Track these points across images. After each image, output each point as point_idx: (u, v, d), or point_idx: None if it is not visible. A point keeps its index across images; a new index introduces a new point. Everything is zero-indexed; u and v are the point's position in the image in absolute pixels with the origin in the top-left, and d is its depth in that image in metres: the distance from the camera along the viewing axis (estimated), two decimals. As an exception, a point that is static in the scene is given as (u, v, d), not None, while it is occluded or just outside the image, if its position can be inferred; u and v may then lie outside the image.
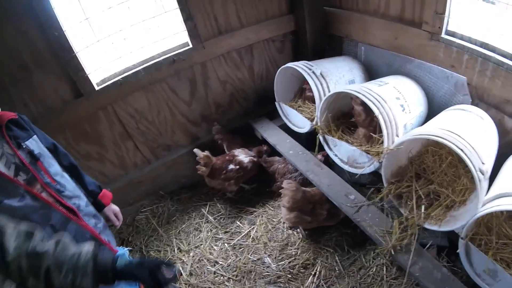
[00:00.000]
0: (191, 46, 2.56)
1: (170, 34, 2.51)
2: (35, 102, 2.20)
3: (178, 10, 2.40)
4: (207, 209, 2.79)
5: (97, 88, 2.36)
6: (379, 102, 2.06)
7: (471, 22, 2.05)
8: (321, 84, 2.41)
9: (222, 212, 2.75)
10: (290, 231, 2.52)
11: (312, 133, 2.57)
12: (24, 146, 1.21)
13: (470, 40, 2.08)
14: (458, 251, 1.71)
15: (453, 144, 1.66)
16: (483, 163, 1.69)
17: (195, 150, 2.63)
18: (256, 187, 2.94)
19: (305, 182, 2.59)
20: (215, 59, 2.74)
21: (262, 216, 2.65)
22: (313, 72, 2.42)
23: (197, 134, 2.98)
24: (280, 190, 2.35)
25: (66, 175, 1.39)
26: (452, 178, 1.95)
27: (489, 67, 1.98)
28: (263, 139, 2.86)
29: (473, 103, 2.15)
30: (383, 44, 2.54)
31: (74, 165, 1.56)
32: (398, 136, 2.08)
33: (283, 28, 2.90)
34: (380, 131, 2.09)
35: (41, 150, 1.30)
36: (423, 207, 1.90)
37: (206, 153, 2.65)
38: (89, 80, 2.29)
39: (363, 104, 2.12)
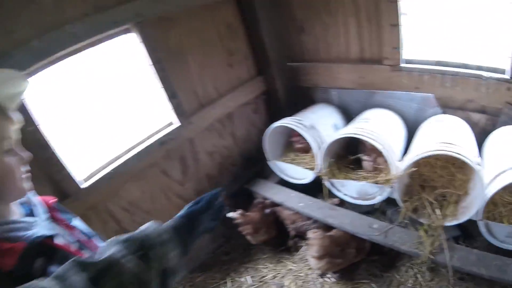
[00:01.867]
0: (179, 123, 2.54)
1: (156, 115, 2.48)
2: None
3: (162, 89, 2.40)
4: (229, 286, 2.60)
5: (83, 186, 2.15)
6: (377, 137, 2.22)
7: (423, 47, 2.38)
8: (314, 135, 2.52)
9: (247, 285, 2.57)
10: (321, 279, 2.45)
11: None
12: (74, 226, 1.12)
13: (426, 62, 2.43)
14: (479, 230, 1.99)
15: (452, 151, 1.91)
16: (477, 157, 1.99)
17: (229, 214, 2.61)
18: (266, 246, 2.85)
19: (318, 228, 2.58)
20: (201, 133, 2.74)
21: (288, 276, 2.54)
22: (304, 125, 2.54)
23: (196, 212, 2.83)
24: (307, 242, 2.34)
25: None
26: (449, 178, 2.21)
27: (448, 79, 2.34)
28: (261, 204, 2.82)
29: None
30: (352, 84, 2.79)
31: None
32: (398, 161, 2.23)
33: (256, 90, 3.04)
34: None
35: (88, 229, 1.20)
36: (437, 210, 2.11)
37: (240, 211, 2.62)
38: (73, 179, 2.09)
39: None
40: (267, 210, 2.76)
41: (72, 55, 1.99)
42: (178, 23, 2.44)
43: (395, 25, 2.33)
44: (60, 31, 1.83)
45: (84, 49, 2.03)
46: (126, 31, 2.20)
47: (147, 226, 0.92)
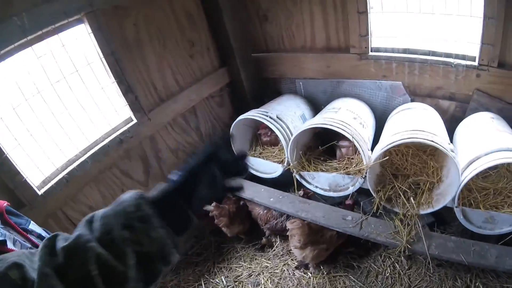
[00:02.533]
0: (135, 120, 2.35)
1: (111, 112, 2.27)
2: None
3: (115, 84, 2.20)
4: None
5: (40, 192, 1.94)
6: (347, 127, 2.17)
7: (391, 35, 2.36)
8: (281, 126, 2.43)
9: (221, 285, 2.46)
10: (298, 274, 2.40)
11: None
12: (30, 230, 1.00)
13: (393, 50, 2.42)
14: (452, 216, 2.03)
15: (426, 139, 1.89)
16: (449, 143, 1.98)
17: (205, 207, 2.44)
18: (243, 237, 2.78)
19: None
20: (162, 129, 2.57)
21: (263, 273, 2.46)
22: (270, 117, 2.44)
23: (162, 214, 2.67)
24: (287, 233, 2.31)
25: None
26: (421, 165, 2.20)
27: (416, 67, 2.35)
28: (235, 197, 2.71)
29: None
30: (318, 74, 2.73)
31: None
32: (369, 151, 2.20)
33: (219, 82, 2.91)
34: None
35: (47, 233, 1.07)
36: (411, 198, 2.10)
37: (215, 203, 2.53)
38: (29, 185, 1.89)
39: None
40: (242, 202, 2.70)
41: (20, 50, 1.80)
42: (134, 12, 2.26)
43: (363, 12, 2.28)
44: (6, 24, 1.67)
45: (33, 43, 1.84)
46: (78, 21, 2.01)
47: (126, 197, 0.71)
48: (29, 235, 0.97)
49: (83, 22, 2.03)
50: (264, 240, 2.64)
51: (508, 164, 2.06)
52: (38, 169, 1.98)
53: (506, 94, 2.13)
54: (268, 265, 2.51)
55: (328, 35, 2.56)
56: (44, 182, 2.02)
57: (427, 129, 2.02)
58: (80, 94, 2.11)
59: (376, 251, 2.38)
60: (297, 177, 2.45)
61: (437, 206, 2.03)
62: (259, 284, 2.40)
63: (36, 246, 0.95)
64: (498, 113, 2.18)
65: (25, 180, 1.88)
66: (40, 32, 1.82)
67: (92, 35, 2.06)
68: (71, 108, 2.07)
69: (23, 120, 1.87)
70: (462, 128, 2.25)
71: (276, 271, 2.46)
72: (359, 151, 2.15)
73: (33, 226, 1.04)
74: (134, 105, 2.33)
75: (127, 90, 2.28)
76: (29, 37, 1.78)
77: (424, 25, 2.20)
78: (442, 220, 2.36)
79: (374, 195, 2.18)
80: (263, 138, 2.73)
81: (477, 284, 2.06)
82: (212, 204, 2.58)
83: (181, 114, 2.68)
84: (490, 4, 1.91)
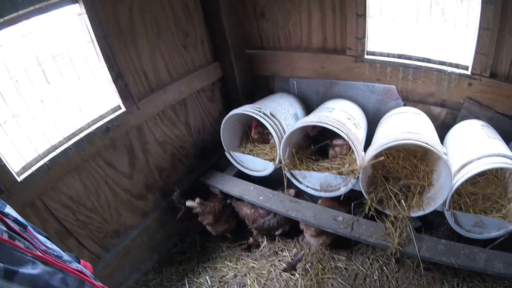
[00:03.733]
0: (124, 109, 2.24)
1: (99, 98, 2.16)
2: None
3: (106, 68, 2.10)
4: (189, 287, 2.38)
5: (19, 179, 1.81)
6: (342, 126, 2.16)
7: (387, 40, 2.38)
8: (275, 123, 2.39)
9: (205, 285, 2.36)
10: (285, 276, 2.34)
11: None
12: (7, 213, 0.96)
13: (388, 54, 2.44)
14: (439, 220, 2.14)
15: (420, 141, 1.91)
16: (442, 147, 2.00)
17: (188, 203, 2.46)
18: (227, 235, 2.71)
19: (280, 223, 2.48)
20: (150, 120, 2.47)
21: (249, 274, 2.39)
22: (264, 113, 2.40)
23: (145, 209, 2.56)
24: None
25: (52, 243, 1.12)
26: (411, 169, 2.21)
27: (410, 72, 2.37)
28: (222, 194, 2.64)
29: (402, 104, 2.50)
30: (312, 74, 2.72)
31: (47, 235, 1.22)
32: (363, 151, 2.20)
33: (211, 77, 2.84)
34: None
35: (22, 219, 1.02)
36: (402, 201, 2.11)
37: (198, 200, 2.47)
38: (8, 170, 1.76)
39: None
40: (229, 200, 2.63)
41: (9, 25, 1.68)
42: (130, -3, 2.18)
43: (361, 15, 2.29)
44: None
45: (22, 19, 1.72)
46: (72, 1, 1.90)
47: None
48: (5, 218, 0.92)
49: (77, 2, 1.93)
50: (251, 239, 2.58)
51: (496, 170, 2.12)
52: (19, 154, 1.84)
53: (496, 103, 2.18)
54: (254, 265, 2.44)
55: (325, 36, 2.56)
56: (24, 168, 1.88)
57: (421, 132, 2.04)
58: (68, 77, 2.00)
59: (363, 255, 2.37)
60: (288, 175, 2.40)
61: (428, 209, 2.04)
62: (245, 285, 2.33)
63: (13, 230, 0.90)
64: (487, 121, 2.23)
65: (4, 164, 1.75)
66: (32, 8, 1.72)
67: (85, 16, 1.96)
68: (57, 91, 1.95)
69: (6, 101, 1.75)
70: (453, 133, 2.29)
71: (262, 271, 2.39)
72: (352, 152, 2.14)
73: (9, 209, 0.99)
74: (124, 92, 2.23)
75: (117, 76, 2.17)
76: (20, 12, 1.67)
77: (420, 32, 2.23)
78: (429, 225, 2.38)
79: (366, 196, 2.17)
80: (254, 135, 2.68)
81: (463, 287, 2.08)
82: (196, 201, 2.50)
83: (171, 106, 2.58)
84: (485, 15, 1.95)
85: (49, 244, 1.07)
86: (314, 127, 2.35)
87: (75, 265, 1.06)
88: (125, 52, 2.22)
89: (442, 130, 2.37)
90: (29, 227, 1.01)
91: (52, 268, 0.92)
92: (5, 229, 0.88)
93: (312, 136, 2.51)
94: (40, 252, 0.95)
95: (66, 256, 1.08)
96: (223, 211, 2.59)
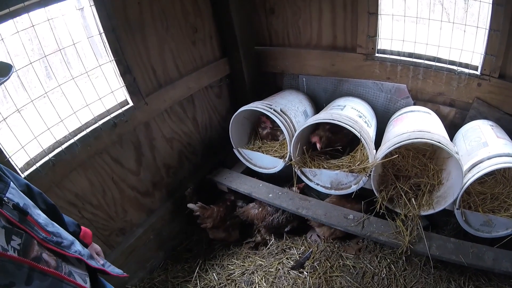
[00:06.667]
0: (131, 104, 2.20)
1: (106, 93, 2.09)
2: None
3: (114, 62, 2.04)
4: (195, 284, 2.36)
5: (23, 175, 1.75)
6: (355, 124, 2.15)
7: (398, 39, 2.38)
8: (285, 120, 2.37)
9: (214, 283, 2.33)
10: (293, 274, 2.33)
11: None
12: (6, 201, 0.93)
13: (399, 53, 2.44)
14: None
15: (433, 140, 1.91)
16: (454, 146, 2.03)
17: (190, 205, 2.44)
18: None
19: (289, 219, 2.48)
20: (158, 116, 2.42)
21: (257, 272, 2.37)
22: (274, 110, 2.37)
23: (151, 206, 2.52)
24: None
25: (54, 223, 1.13)
26: (421, 167, 2.23)
27: (420, 72, 2.38)
28: (230, 191, 2.61)
29: (412, 103, 2.51)
30: (322, 72, 2.71)
31: (52, 204, 1.25)
32: (374, 150, 2.20)
33: (219, 73, 2.80)
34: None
35: (24, 200, 1.02)
36: (413, 199, 2.12)
37: (199, 204, 2.45)
38: (12, 166, 1.70)
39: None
40: (241, 210, 2.60)
41: (13, 16, 1.61)
42: (139, -9, 2.12)
43: (373, 14, 2.28)
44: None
45: (30, 10, 1.66)
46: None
47: None
48: (4, 210, 0.90)
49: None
50: (258, 238, 2.56)
51: (504, 170, 2.14)
52: (23, 149, 1.78)
53: (505, 104, 2.21)
54: (262, 263, 2.42)
55: (335, 33, 2.54)
56: (29, 164, 1.83)
57: (433, 131, 2.05)
58: (75, 70, 1.94)
59: (371, 254, 2.37)
60: (298, 173, 2.39)
61: (438, 208, 2.06)
62: (253, 283, 2.31)
63: (11, 222, 0.90)
64: (496, 122, 2.25)
65: (8, 160, 1.70)
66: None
67: (94, 7, 1.91)
68: (64, 85, 1.89)
69: (11, 94, 1.68)
70: (463, 133, 2.30)
71: (270, 269, 2.37)
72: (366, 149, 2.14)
73: (11, 193, 0.97)
74: (131, 87, 2.18)
75: (125, 70, 2.13)
76: (26, 3, 1.61)
77: (431, 31, 2.23)
78: (435, 224, 2.39)
79: (377, 194, 2.17)
80: (263, 132, 2.66)
81: (470, 286, 2.09)
82: (197, 204, 2.49)
83: (179, 102, 2.54)
84: (496, 17, 1.97)
85: (50, 227, 1.07)
86: (321, 138, 2.33)
87: (73, 249, 1.10)
88: (134, 45, 2.18)
89: (451, 129, 2.38)
90: (30, 213, 0.99)
91: (50, 279, 0.94)
92: (3, 223, 0.89)
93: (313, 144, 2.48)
94: (38, 242, 0.96)
95: (66, 240, 1.10)
96: (225, 219, 2.55)
